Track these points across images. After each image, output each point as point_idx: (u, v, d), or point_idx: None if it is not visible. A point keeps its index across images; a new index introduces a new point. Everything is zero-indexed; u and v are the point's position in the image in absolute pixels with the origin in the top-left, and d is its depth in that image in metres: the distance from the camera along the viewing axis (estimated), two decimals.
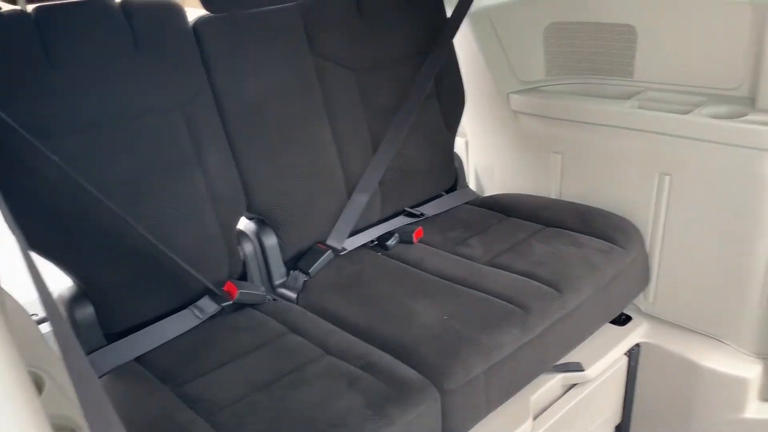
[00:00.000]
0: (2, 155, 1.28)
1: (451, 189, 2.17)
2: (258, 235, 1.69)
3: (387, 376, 1.27)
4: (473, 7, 1.98)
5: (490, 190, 2.29)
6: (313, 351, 1.38)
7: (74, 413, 0.68)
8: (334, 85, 1.80)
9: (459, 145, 2.27)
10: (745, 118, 1.62)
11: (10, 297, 0.87)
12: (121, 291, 1.44)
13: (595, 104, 1.90)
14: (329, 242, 1.77)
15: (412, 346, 1.37)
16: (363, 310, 1.53)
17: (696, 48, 1.77)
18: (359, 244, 1.84)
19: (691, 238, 1.75)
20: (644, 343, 1.84)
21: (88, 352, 1.40)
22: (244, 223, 1.71)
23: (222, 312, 1.54)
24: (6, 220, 0.69)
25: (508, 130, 2.14)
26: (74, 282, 1.42)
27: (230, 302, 1.54)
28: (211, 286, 1.52)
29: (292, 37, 1.73)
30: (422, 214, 2.01)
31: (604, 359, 1.72)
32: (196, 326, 1.50)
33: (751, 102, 1.68)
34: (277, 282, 1.70)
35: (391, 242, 1.84)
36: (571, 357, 1.66)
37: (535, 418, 1.56)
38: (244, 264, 1.66)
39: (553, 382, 1.63)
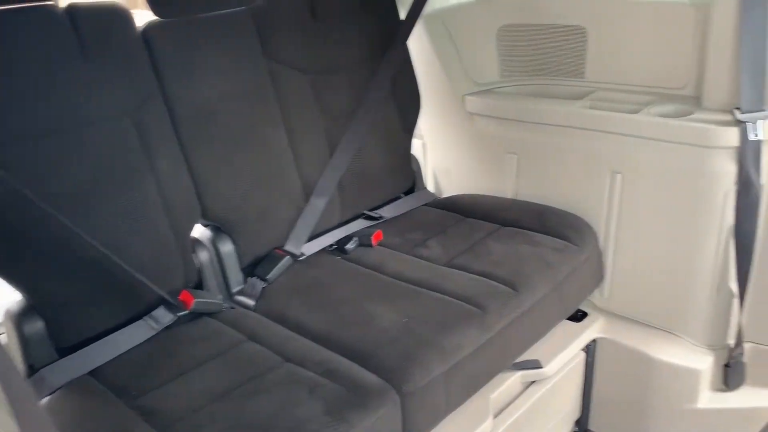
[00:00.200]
0: None
1: (410, 191, 2.18)
2: (214, 242, 1.66)
3: (347, 382, 1.27)
4: (427, 10, 2.00)
5: (448, 191, 2.30)
6: (271, 359, 1.36)
7: None
8: (288, 89, 1.79)
9: (417, 147, 2.28)
10: (690, 116, 1.67)
11: None
12: (72, 304, 1.41)
13: (548, 105, 1.93)
14: (287, 248, 1.75)
15: (372, 350, 1.37)
16: (322, 316, 1.52)
17: (644, 49, 1.82)
18: (318, 249, 1.83)
19: (642, 234, 1.80)
20: (600, 338, 1.88)
21: (40, 367, 1.37)
22: (200, 231, 1.69)
23: (178, 322, 1.51)
24: None
25: (464, 131, 2.16)
26: (23, 296, 1.38)
27: (186, 312, 1.51)
28: (165, 296, 1.49)
29: (245, 42, 1.71)
30: (381, 217, 2.01)
31: (561, 355, 1.75)
32: (152, 337, 1.47)
33: (696, 101, 1.74)
34: (234, 289, 1.68)
35: (350, 246, 1.83)
36: (529, 354, 1.68)
37: (495, 417, 1.57)
38: (200, 272, 1.63)
39: (513, 380, 1.65)
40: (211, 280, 1.66)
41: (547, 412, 1.78)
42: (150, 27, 1.55)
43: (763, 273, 1.66)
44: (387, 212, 2.04)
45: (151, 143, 1.50)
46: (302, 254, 1.78)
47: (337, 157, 1.86)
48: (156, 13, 1.57)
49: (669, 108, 1.74)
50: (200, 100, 1.61)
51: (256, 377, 1.30)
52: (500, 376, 1.60)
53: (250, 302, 1.63)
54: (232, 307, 1.61)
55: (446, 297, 1.54)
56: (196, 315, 1.55)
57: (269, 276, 1.67)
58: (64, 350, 1.41)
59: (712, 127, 1.59)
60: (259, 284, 1.66)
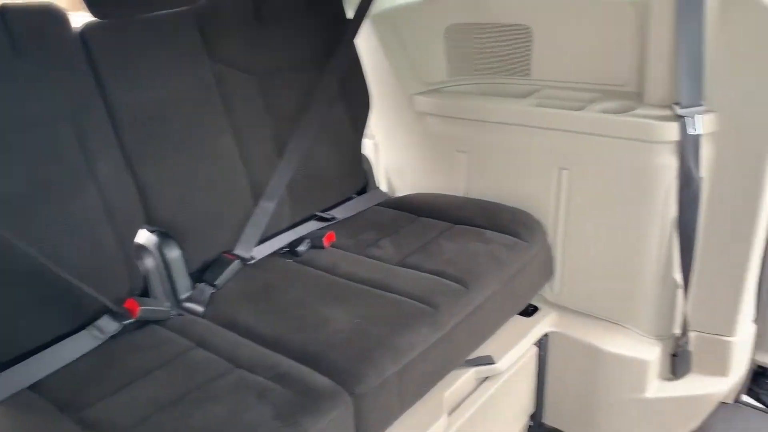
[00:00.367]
0: None
1: (362, 191, 2.17)
2: (160, 247, 1.62)
3: (298, 386, 1.25)
4: (375, 9, 1.99)
5: (401, 190, 2.30)
6: (221, 365, 1.33)
7: None
8: (234, 91, 1.76)
9: (369, 147, 2.28)
10: (633, 112, 1.71)
11: None
12: (10, 315, 1.35)
13: (496, 103, 1.95)
14: (237, 251, 1.72)
15: (323, 352, 1.36)
16: (273, 320, 1.50)
17: (587, 47, 1.85)
18: (269, 252, 1.81)
19: (589, 228, 1.83)
20: (552, 332, 1.91)
21: None
22: (145, 236, 1.64)
23: (124, 331, 1.47)
24: None
25: (414, 130, 2.16)
26: None
27: (132, 320, 1.47)
28: (109, 305, 1.45)
29: (187, 43, 1.67)
30: (333, 218, 1.99)
31: (514, 350, 1.76)
32: (96, 347, 1.42)
33: (638, 97, 1.77)
34: (182, 296, 1.64)
35: (302, 248, 1.81)
36: (482, 351, 1.69)
37: (449, 414, 1.58)
38: (147, 279, 1.59)
39: (466, 376, 1.65)
40: (158, 286, 1.61)
41: (501, 408, 1.80)
42: (88, 28, 1.51)
43: (705, 263, 1.71)
44: (339, 213, 2.03)
45: (91, 148, 1.46)
46: (252, 258, 1.75)
47: (286, 158, 1.84)
48: (94, 13, 1.52)
49: (612, 104, 1.77)
50: (143, 103, 1.57)
51: (204, 384, 1.27)
52: (453, 373, 1.60)
53: (199, 308, 1.59)
54: (180, 314, 1.58)
55: (398, 296, 1.54)
56: (143, 323, 1.51)
57: (218, 281, 1.64)
58: (3, 365, 1.35)
59: (654, 122, 1.63)
60: (208, 290, 1.63)
